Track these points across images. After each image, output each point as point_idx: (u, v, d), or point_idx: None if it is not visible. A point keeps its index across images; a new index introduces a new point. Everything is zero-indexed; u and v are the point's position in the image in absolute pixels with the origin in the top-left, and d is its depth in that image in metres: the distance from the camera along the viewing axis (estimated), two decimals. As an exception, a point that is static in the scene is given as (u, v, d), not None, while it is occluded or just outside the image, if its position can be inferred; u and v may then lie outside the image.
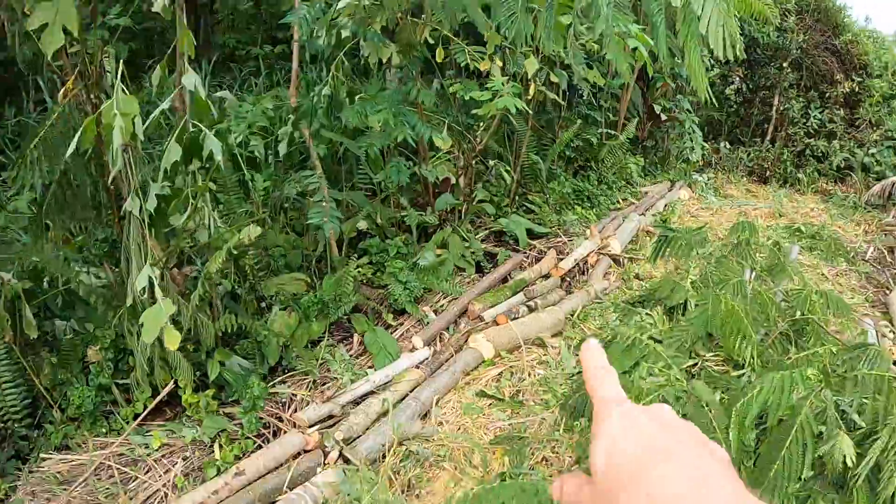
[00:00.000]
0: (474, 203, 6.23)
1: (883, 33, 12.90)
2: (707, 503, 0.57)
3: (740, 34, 4.43)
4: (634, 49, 4.75)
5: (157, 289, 3.19)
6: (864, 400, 2.79)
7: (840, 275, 7.86)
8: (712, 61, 9.38)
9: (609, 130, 8.25)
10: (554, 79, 6.16)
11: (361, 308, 5.02)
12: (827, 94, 11.66)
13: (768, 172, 11.77)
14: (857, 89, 11.57)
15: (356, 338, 4.84)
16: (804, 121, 11.69)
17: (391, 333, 4.91)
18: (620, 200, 8.47)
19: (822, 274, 7.75)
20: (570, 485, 0.70)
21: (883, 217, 10.19)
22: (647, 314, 4.65)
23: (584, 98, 7.45)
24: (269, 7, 9.99)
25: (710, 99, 4.25)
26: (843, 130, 11.66)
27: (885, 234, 9.38)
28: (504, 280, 5.83)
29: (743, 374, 3.59)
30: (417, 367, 4.53)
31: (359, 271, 5.12)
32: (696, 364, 3.99)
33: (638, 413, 0.67)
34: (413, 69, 5.13)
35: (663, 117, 8.99)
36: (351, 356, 4.66)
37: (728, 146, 11.80)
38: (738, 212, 9.73)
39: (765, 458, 2.56)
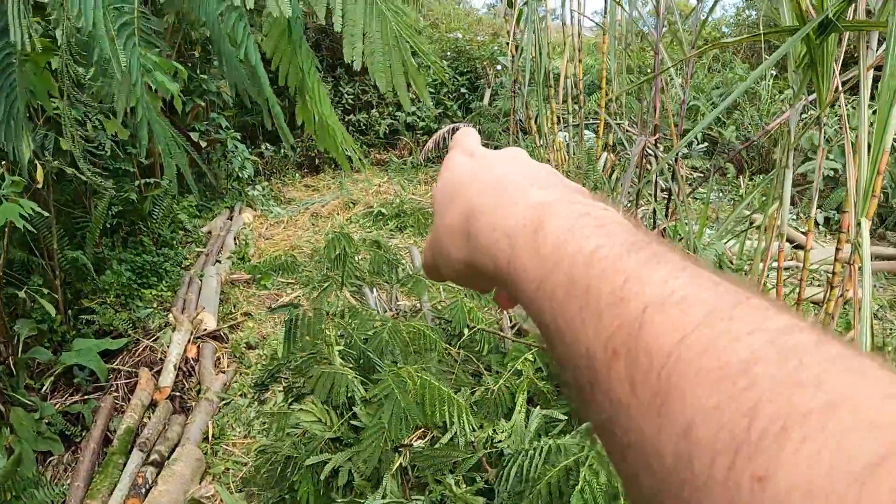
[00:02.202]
0: (21, 353, 4.73)
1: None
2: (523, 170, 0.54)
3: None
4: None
5: None
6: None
7: (443, 243, 8.01)
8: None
9: (147, 179, 7.12)
10: (66, 146, 4.96)
11: None
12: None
13: (317, 161, 11.63)
14: (381, 53, 11.93)
15: None
16: (338, 99, 11.75)
17: None
18: (188, 256, 7.46)
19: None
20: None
21: (444, 168, 10.77)
22: (302, 409, 3.89)
23: (106, 151, 6.20)
24: None
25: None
26: (379, 97, 11.98)
27: (458, 184, 9.88)
28: (108, 441, 4.43)
29: (454, 435, 3.04)
30: None
31: None
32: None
33: (483, 150, 0.61)
34: None
35: (203, 143, 8.10)
36: None
37: (270, 146, 11.31)
38: (310, 214, 9.39)
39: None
